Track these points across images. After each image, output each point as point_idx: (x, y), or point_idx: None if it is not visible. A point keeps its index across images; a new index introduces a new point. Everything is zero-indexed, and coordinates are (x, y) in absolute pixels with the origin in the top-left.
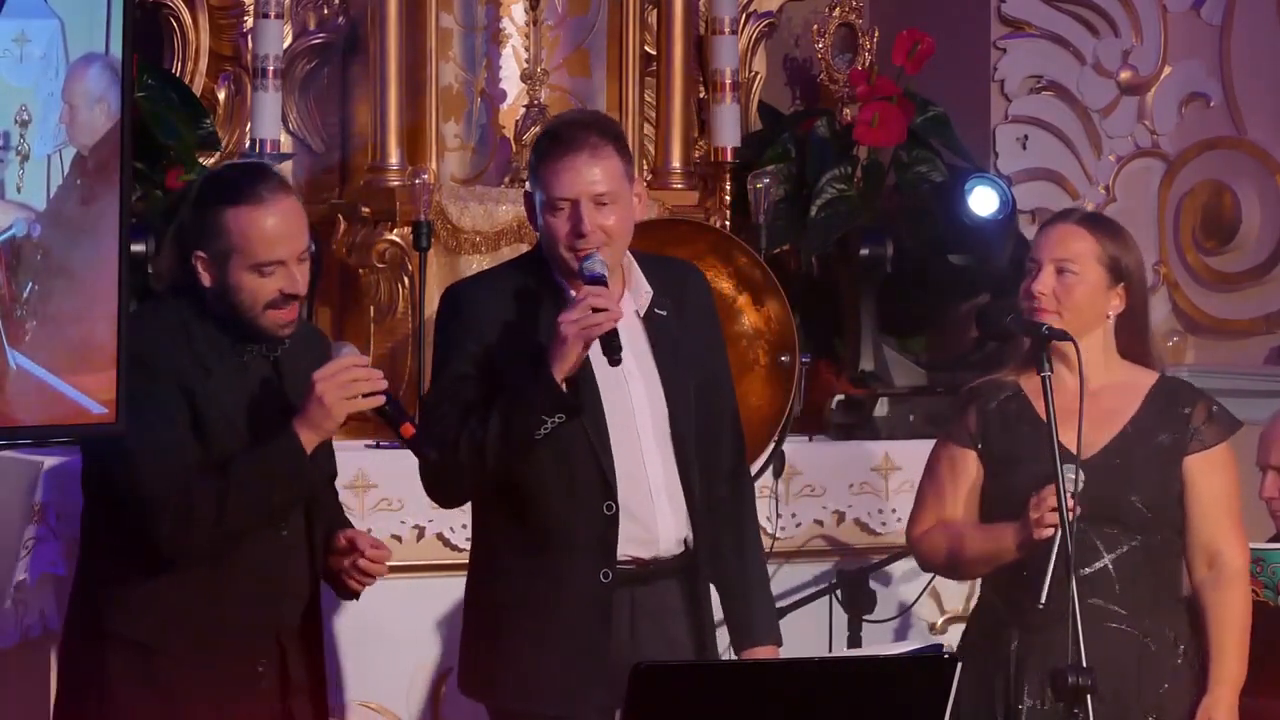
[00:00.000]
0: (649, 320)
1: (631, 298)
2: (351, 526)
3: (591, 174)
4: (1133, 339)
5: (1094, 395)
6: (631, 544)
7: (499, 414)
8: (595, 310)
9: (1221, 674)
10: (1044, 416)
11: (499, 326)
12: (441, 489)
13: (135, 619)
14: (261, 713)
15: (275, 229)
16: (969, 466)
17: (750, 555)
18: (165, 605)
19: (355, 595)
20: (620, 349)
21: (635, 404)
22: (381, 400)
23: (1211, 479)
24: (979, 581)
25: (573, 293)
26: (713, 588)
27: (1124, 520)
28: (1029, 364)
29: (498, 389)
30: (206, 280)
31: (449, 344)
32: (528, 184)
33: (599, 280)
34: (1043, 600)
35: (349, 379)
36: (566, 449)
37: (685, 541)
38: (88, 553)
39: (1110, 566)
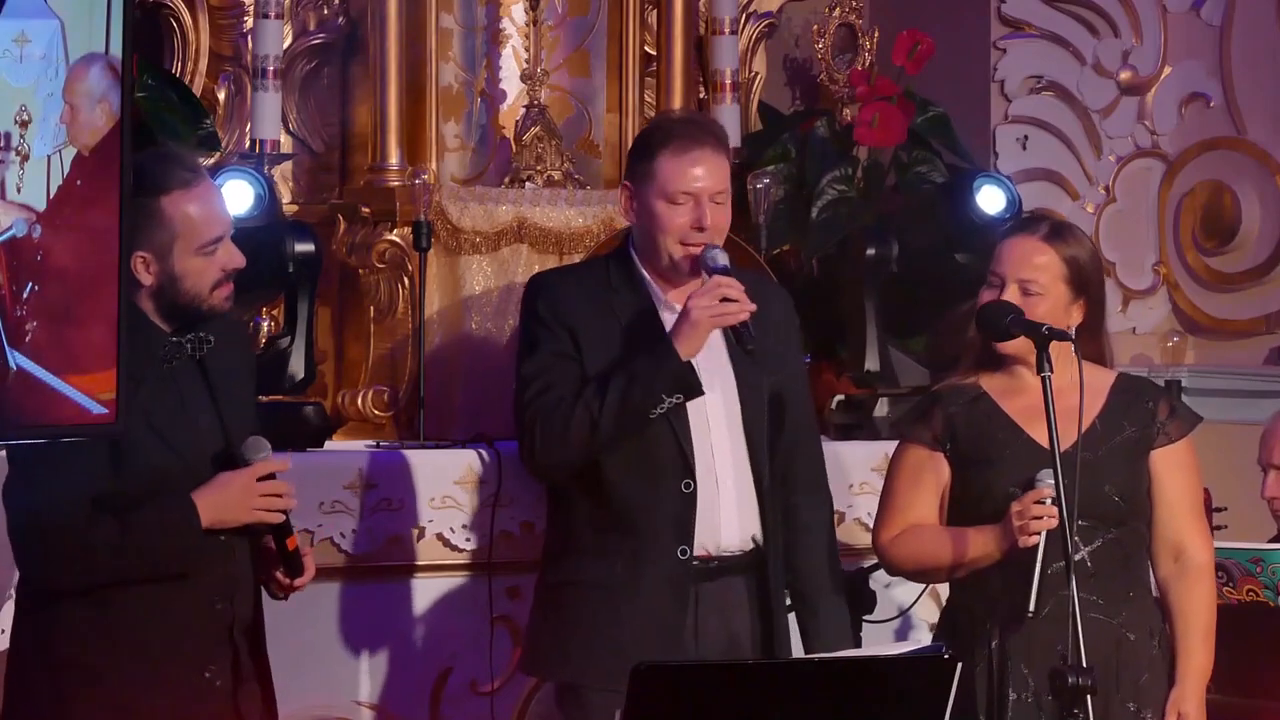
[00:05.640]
0: None
1: None
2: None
3: (716, 171)
4: (1089, 342)
5: (1059, 393)
6: (699, 533)
7: (617, 388)
8: (726, 300)
9: (1189, 668)
10: (1013, 417)
11: (579, 315)
12: (545, 458)
13: (83, 642)
14: (214, 715)
15: (213, 207)
16: (938, 469)
17: (820, 565)
18: (112, 626)
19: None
20: (754, 339)
21: (709, 398)
22: (281, 518)
23: (1175, 474)
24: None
25: (655, 286)
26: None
27: (1099, 513)
28: (985, 366)
29: (584, 373)
30: (147, 279)
31: (537, 327)
32: (626, 178)
33: (724, 271)
34: (1031, 608)
35: (272, 493)
36: (648, 429)
37: (754, 539)
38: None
39: (1087, 558)
